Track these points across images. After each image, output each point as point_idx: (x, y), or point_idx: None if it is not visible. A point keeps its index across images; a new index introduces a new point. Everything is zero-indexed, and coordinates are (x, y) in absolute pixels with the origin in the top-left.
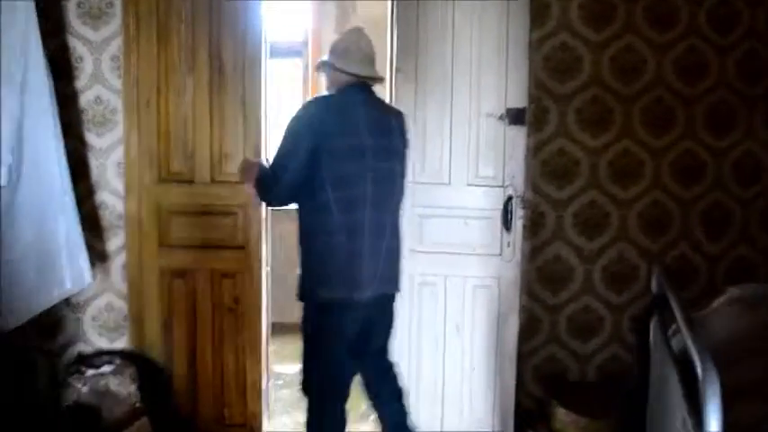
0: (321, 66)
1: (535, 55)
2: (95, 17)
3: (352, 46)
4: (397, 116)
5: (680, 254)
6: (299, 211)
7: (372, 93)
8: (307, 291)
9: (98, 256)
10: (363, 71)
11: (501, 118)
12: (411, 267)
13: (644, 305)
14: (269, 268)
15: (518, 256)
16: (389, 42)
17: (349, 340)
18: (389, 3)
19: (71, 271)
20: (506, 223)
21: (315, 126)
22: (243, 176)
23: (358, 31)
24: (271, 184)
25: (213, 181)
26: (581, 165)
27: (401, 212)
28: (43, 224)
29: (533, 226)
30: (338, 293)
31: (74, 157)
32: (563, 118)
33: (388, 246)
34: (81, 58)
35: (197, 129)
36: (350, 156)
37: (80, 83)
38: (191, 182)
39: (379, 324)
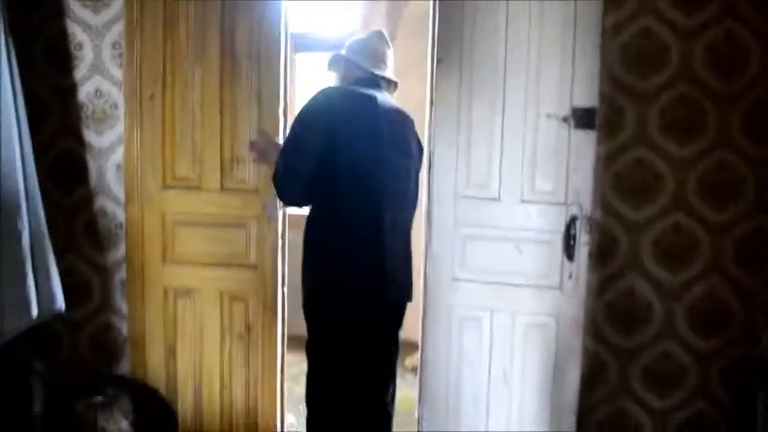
0: (335, 60)
1: (609, 43)
2: None
3: (371, 46)
4: (410, 120)
5: None
6: (310, 212)
7: (385, 92)
8: (316, 302)
9: (97, 270)
10: (379, 70)
11: (565, 120)
12: (450, 298)
13: (739, 355)
14: (285, 289)
15: (582, 289)
16: (431, 28)
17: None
18: None
19: (39, 296)
20: (568, 249)
21: (328, 114)
22: (258, 156)
23: (379, 34)
24: (288, 180)
25: (223, 188)
26: (664, 180)
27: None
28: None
29: (602, 253)
30: (355, 303)
31: (71, 158)
32: (642, 121)
33: (404, 250)
34: (80, 45)
35: (206, 128)
36: (366, 146)
37: (79, 73)
38: (198, 188)
39: (386, 343)
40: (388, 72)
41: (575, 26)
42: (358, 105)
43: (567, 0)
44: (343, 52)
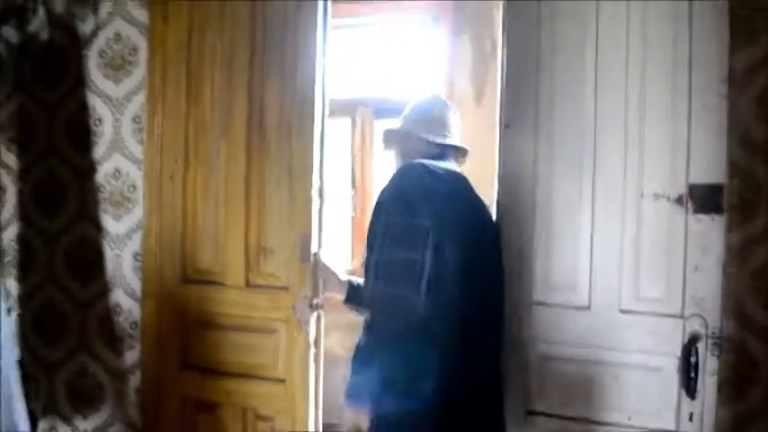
0: (391, 137)
1: (740, 94)
2: (117, 68)
3: (431, 113)
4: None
5: None
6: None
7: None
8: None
9: (110, 373)
10: (444, 139)
11: (679, 201)
12: None
13: None
14: (320, 411)
15: None
16: (499, 84)
17: None
18: (501, 24)
19: None
20: (688, 381)
21: (426, 193)
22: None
23: (438, 98)
24: (404, 302)
25: (249, 284)
26: None
27: None
28: None
29: (738, 383)
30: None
31: (88, 246)
32: None
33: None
34: (100, 120)
35: (230, 212)
36: (473, 234)
37: (98, 152)
38: (221, 284)
39: None
40: (455, 139)
41: (689, 73)
42: (453, 184)
43: (677, 38)
44: (399, 126)
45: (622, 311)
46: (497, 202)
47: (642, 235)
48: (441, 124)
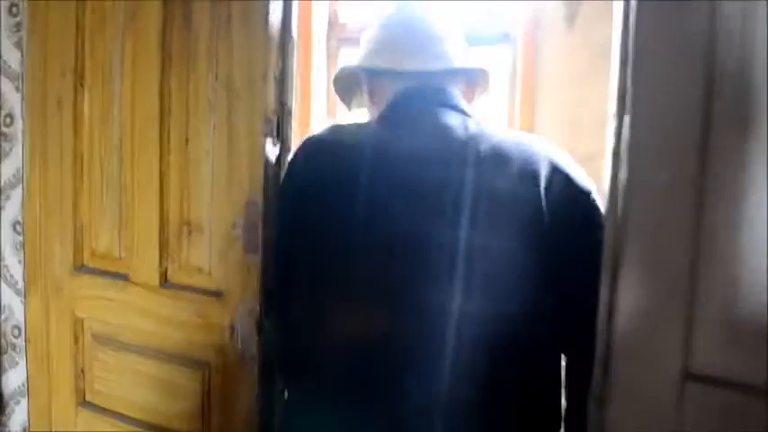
0: (339, 80)
1: None
2: None
3: (380, 30)
4: (528, 152)
5: None
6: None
7: (446, 103)
8: None
9: None
10: (391, 61)
11: None
12: None
13: None
14: None
15: None
16: (619, 64)
17: None
18: None
19: None
20: None
21: (298, 178)
22: None
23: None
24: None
25: (164, 283)
26: None
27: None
28: None
29: None
30: None
31: None
32: None
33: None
34: None
35: (137, 158)
36: (348, 216)
37: None
38: (125, 278)
39: None
40: (418, 59)
41: None
42: (346, 152)
43: None
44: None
45: None
46: (614, 150)
47: None
48: (381, 41)
